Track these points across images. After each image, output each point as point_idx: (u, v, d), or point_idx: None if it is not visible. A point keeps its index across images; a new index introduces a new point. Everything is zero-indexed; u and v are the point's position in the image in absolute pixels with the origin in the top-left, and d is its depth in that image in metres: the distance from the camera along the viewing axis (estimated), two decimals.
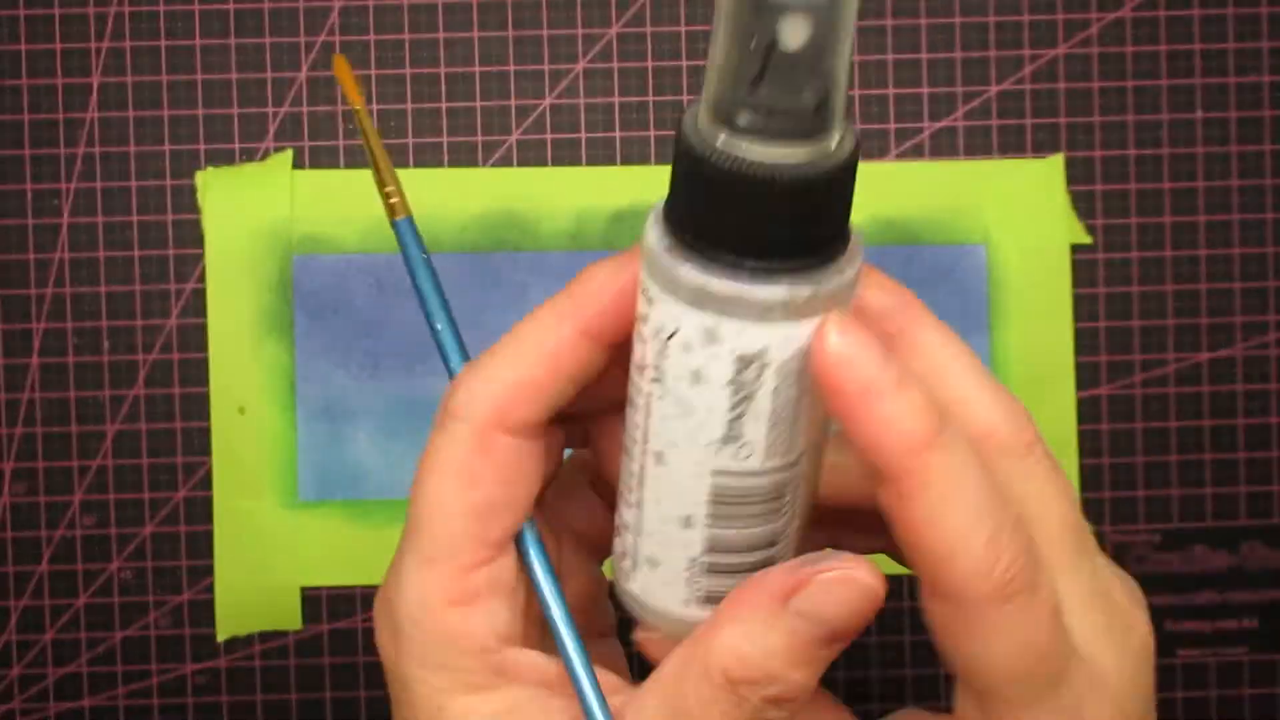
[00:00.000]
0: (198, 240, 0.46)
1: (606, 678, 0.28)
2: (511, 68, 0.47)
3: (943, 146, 0.47)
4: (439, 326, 0.33)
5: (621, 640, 0.34)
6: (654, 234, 0.26)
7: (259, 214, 0.46)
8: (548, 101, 0.47)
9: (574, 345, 0.29)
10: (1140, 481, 0.47)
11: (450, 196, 0.46)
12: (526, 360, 0.29)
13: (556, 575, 0.30)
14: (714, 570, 0.27)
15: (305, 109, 0.46)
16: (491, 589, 0.28)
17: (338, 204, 0.46)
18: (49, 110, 0.46)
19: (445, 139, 0.47)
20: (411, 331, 0.46)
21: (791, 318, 0.24)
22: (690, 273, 0.24)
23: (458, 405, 0.29)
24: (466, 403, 0.29)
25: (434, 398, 0.46)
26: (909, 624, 0.47)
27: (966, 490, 0.24)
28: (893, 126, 0.47)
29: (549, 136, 0.47)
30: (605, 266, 0.29)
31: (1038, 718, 0.25)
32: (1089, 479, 0.47)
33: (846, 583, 0.26)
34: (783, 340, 0.24)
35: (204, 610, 0.46)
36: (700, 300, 0.24)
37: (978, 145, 0.47)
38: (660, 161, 0.47)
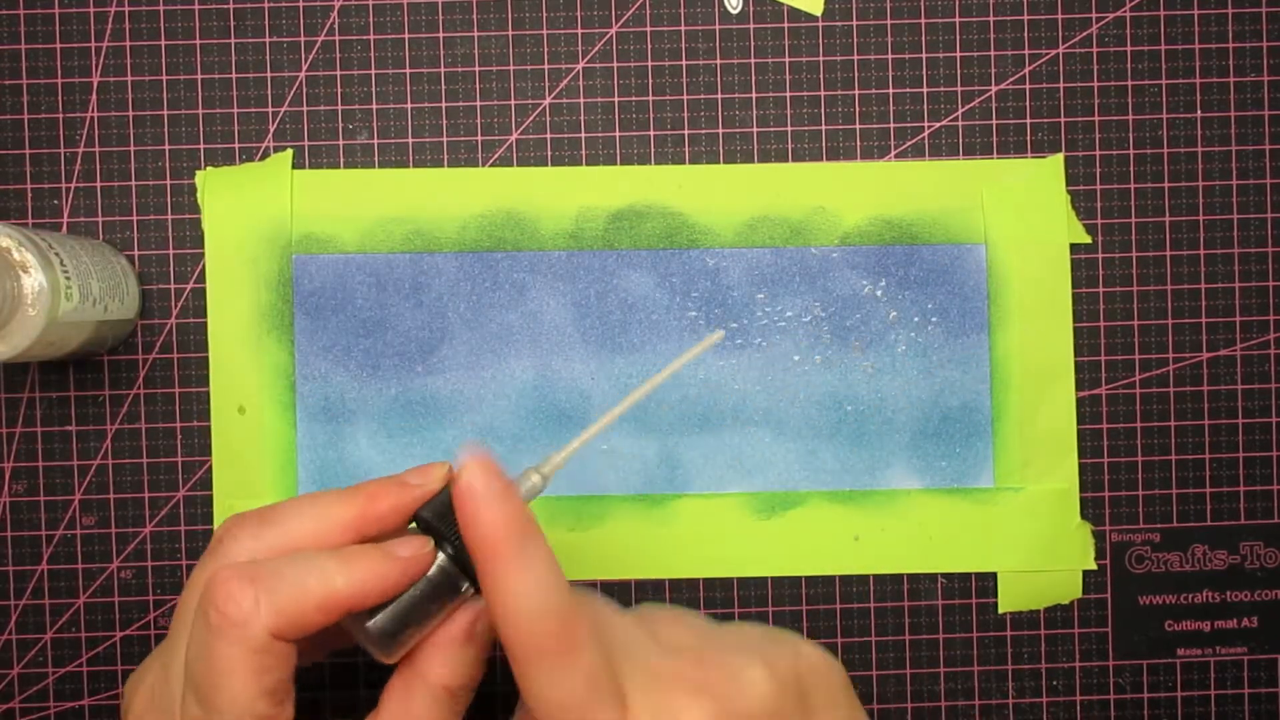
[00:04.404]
0: (198, 240, 0.46)
1: None
2: (511, 68, 0.47)
3: (943, 146, 0.47)
4: None
5: None
6: None
7: (259, 214, 0.46)
8: (548, 101, 0.47)
9: (350, 587, 0.35)
10: (1140, 481, 0.47)
11: (450, 196, 0.46)
12: (305, 590, 0.35)
13: None
14: None
15: (305, 109, 0.46)
16: None
17: (338, 204, 0.46)
18: (49, 110, 0.46)
19: (445, 139, 0.47)
20: (411, 331, 0.46)
21: None
22: None
23: (238, 615, 0.34)
24: (248, 617, 0.34)
25: (433, 397, 0.46)
26: (908, 626, 0.47)
27: (529, 580, 0.33)
28: (892, 126, 0.47)
29: (549, 136, 0.47)
30: (389, 487, 0.38)
31: None
32: (1089, 479, 0.47)
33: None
34: None
35: None
36: None
37: (978, 145, 0.47)
38: (660, 161, 0.47)
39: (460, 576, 0.36)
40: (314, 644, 0.39)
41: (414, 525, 0.37)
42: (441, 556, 0.36)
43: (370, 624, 0.35)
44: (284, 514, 0.37)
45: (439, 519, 0.36)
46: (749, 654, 0.35)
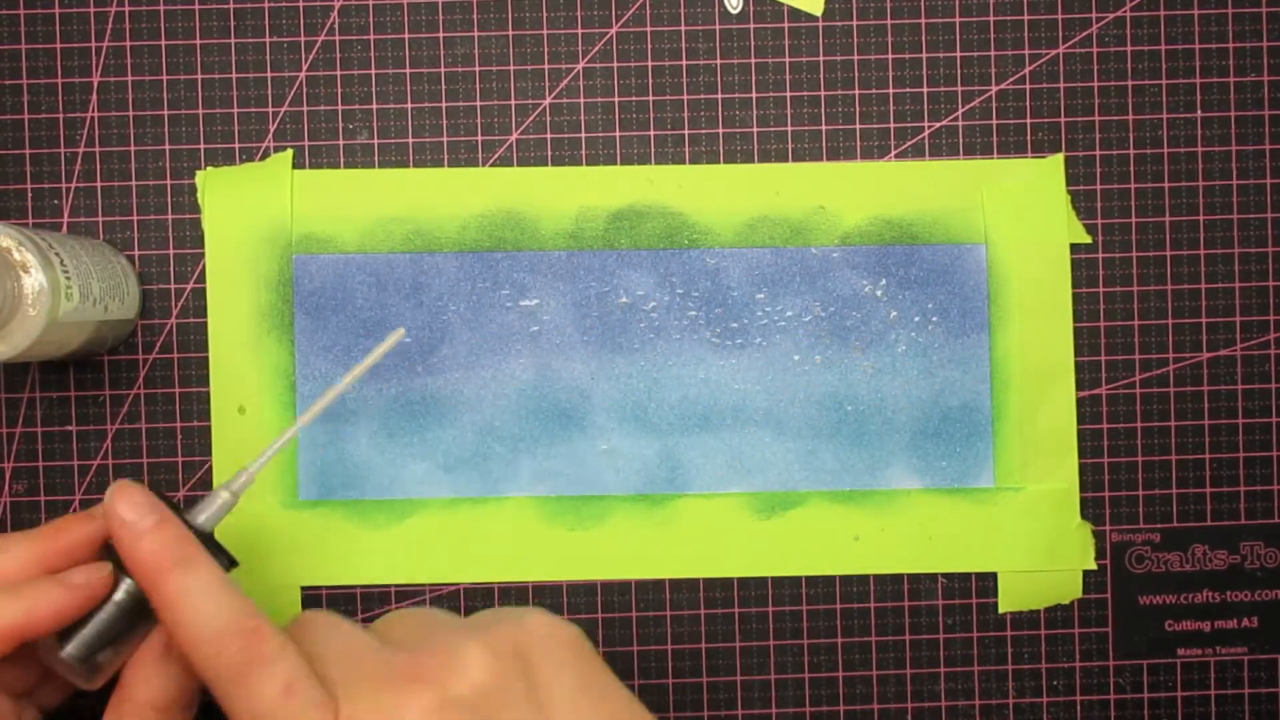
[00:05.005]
0: (198, 240, 0.46)
1: None
2: (511, 68, 0.47)
3: (943, 146, 0.47)
4: None
5: None
6: None
7: (259, 214, 0.46)
8: (548, 101, 0.47)
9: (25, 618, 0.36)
10: (1140, 481, 0.47)
11: (450, 196, 0.46)
12: None
13: None
14: None
15: (305, 109, 0.46)
16: None
17: (338, 204, 0.46)
18: (49, 110, 0.46)
19: (445, 139, 0.47)
20: (411, 331, 0.46)
21: None
22: None
23: None
24: None
25: (434, 397, 0.46)
26: (908, 626, 0.47)
27: (195, 602, 0.34)
28: (892, 126, 0.47)
29: (549, 136, 0.47)
30: (78, 518, 0.38)
31: None
32: (1089, 479, 0.47)
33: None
34: None
35: None
36: None
37: (978, 145, 0.47)
38: (660, 161, 0.47)
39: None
40: (40, 680, 0.39)
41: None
42: (128, 581, 0.37)
43: (62, 652, 0.36)
44: None
45: None
46: (465, 633, 0.36)
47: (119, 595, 0.36)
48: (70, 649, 0.36)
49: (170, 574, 0.35)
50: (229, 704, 0.34)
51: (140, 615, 0.37)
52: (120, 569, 0.37)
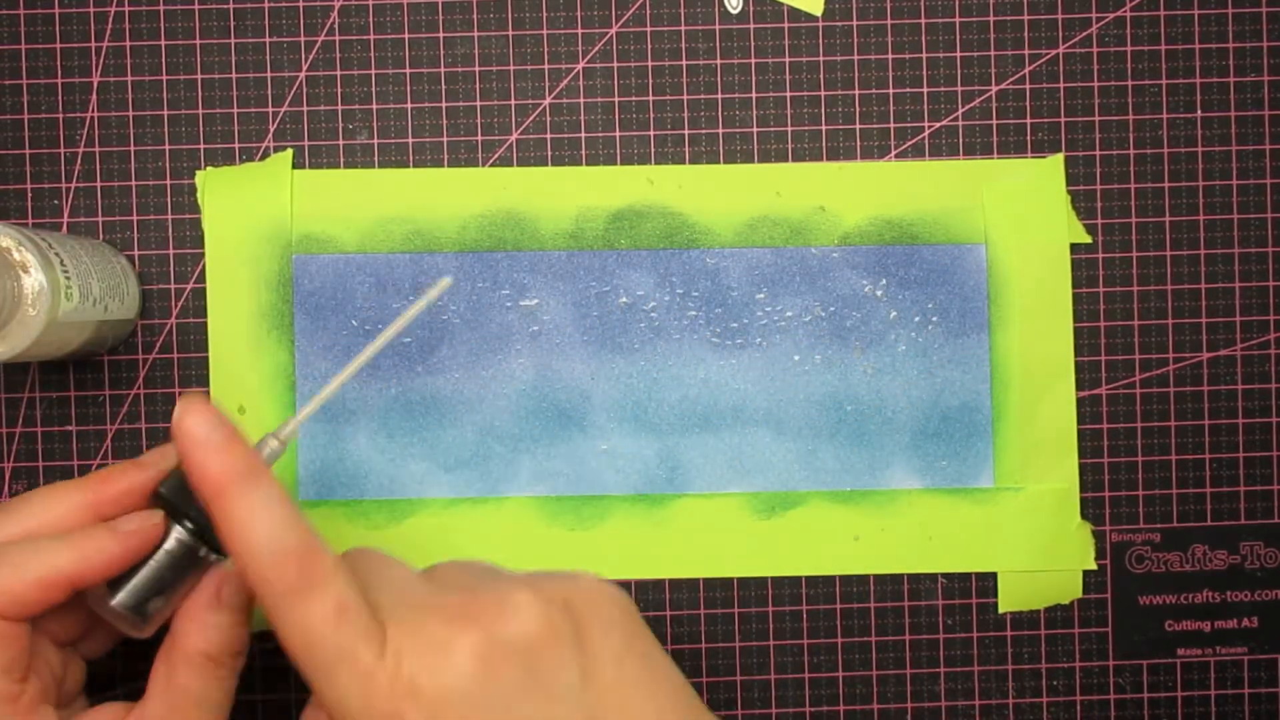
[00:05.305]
0: (198, 240, 0.46)
1: (114, 708, 0.38)
2: (511, 68, 0.47)
3: (943, 146, 0.47)
4: None
5: None
6: None
7: (259, 214, 0.46)
8: (548, 101, 0.47)
9: (72, 568, 0.36)
10: (1140, 481, 0.47)
11: (450, 196, 0.46)
12: (24, 570, 0.35)
13: None
14: None
15: (305, 109, 0.46)
16: None
17: (338, 204, 0.46)
18: (49, 110, 0.46)
19: (445, 139, 0.47)
20: (411, 331, 0.46)
21: None
22: None
23: None
24: None
25: (433, 397, 0.46)
26: (908, 626, 0.47)
27: (259, 520, 0.34)
28: (893, 126, 0.47)
29: (549, 136, 0.47)
30: (127, 467, 0.38)
31: (327, 686, 0.34)
32: (1089, 479, 0.47)
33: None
34: None
35: None
36: None
37: (978, 145, 0.47)
38: (660, 161, 0.47)
39: (201, 546, 0.37)
40: (86, 630, 0.39)
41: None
42: (179, 529, 0.37)
43: (113, 600, 0.36)
44: (18, 505, 0.38)
45: (174, 493, 0.37)
46: (517, 582, 0.36)
47: (170, 543, 0.37)
48: (121, 597, 0.36)
49: (239, 491, 0.34)
50: (281, 622, 0.34)
51: (191, 563, 0.37)
52: (172, 517, 0.37)
